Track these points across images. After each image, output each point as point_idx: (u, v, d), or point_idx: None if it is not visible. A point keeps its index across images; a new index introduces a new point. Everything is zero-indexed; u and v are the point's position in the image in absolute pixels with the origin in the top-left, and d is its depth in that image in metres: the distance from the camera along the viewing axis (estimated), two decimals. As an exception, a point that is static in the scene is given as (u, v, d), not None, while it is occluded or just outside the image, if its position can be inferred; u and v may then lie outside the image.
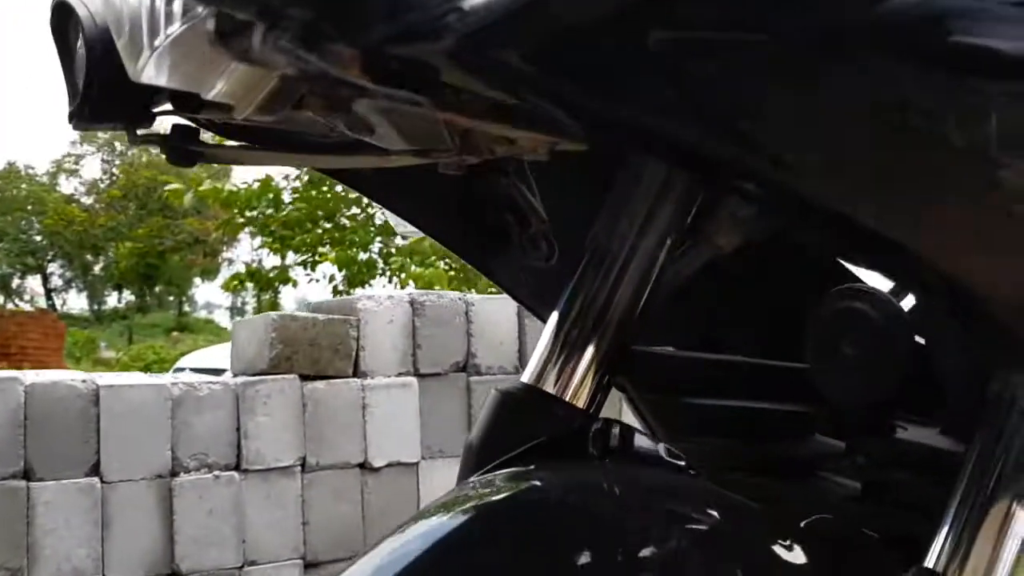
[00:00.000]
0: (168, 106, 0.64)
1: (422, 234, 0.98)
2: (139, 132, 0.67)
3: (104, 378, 3.40)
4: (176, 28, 0.48)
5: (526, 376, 0.74)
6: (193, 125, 0.69)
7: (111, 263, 31.13)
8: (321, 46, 0.41)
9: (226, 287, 11.66)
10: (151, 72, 0.53)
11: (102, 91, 0.63)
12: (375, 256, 10.06)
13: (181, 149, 0.67)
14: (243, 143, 0.70)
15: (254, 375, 3.61)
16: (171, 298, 33.75)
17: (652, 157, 0.70)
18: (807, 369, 0.90)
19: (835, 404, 0.91)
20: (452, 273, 9.06)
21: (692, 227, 0.74)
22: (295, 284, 10.34)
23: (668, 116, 0.44)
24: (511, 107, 0.48)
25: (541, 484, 0.65)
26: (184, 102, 0.65)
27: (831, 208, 0.48)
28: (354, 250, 9.77)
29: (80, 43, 0.63)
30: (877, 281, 0.92)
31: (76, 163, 33.15)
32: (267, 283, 10.46)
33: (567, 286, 0.76)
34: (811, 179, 0.46)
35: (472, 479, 0.66)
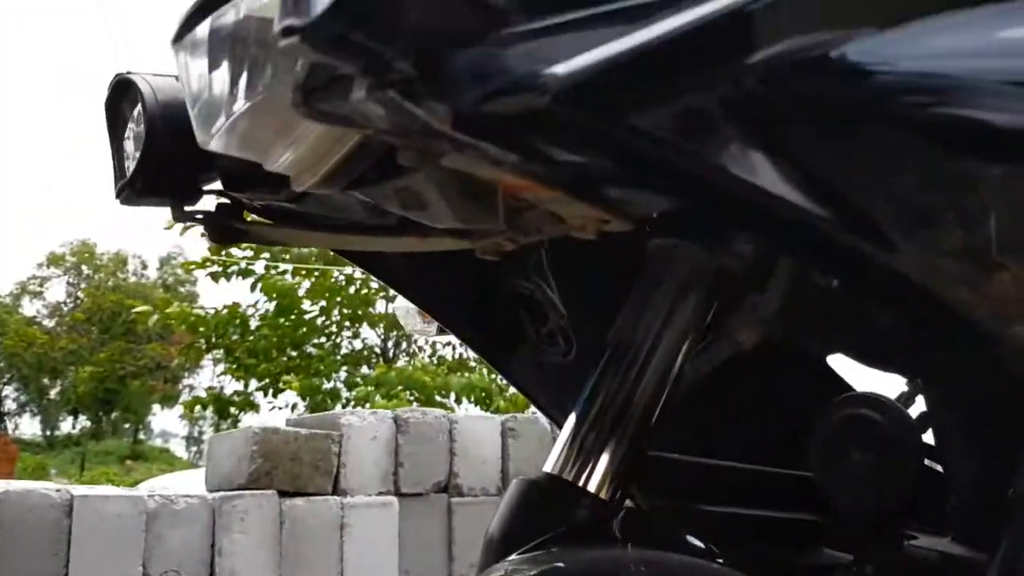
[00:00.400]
0: (216, 184, 0.66)
1: (432, 332, 0.99)
2: (185, 209, 0.69)
3: (79, 489, 3.32)
4: (256, 96, 0.51)
5: (548, 467, 0.74)
6: (236, 205, 0.71)
7: (68, 387, 30.50)
8: (421, 101, 0.44)
9: (186, 408, 11.47)
10: (222, 140, 0.55)
11: (156, 166, 0.65)
12: (339, 385, 9.97)
13: (225, 227, 0.69)
14: (282, 223, 0.72)
15: (232, 490, 3.54)
16: (127, 425, 33.01)
17: (678, 251, 0.72)
18: (814, 477, 0.91)
19: (843, 512, 0.91)
20: (416, 405, 8.97)
21: (713, 323, 0.76)
22: (257, 409, 10.20)
23: (759, 178, 0.48)
24: (584, 176, 0.50)
25: (571, 568, 0.64)
26: (233, 180, 0.67)
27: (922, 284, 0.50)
28: (319, 379, 9.70)
29: (139, 117, 0.66)
30: (879, 388, 0.94)
31: (41, 285, 32.89)
32: (226, 409, 10.30)
33: (586, 381, 0.77)
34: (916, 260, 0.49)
35: (502, 564, 0.65)
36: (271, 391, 9.85)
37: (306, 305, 9.58)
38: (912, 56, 0.52)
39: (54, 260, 32.57)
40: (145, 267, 33.17)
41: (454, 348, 10.26)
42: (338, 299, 9.55)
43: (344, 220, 0.69)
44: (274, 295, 9.21)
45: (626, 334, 0.75)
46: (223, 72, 0.54)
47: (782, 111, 0.49)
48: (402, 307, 1.03)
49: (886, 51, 0.51)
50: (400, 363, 10.53)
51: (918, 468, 0.86)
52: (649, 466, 0.82)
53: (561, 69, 0.45)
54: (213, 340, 9.66)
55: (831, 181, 0.50)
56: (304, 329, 9.67)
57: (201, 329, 9.46)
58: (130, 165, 0.68)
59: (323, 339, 10.11)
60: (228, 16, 0.55)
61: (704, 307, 0.75)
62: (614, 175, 0.51)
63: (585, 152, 0.49)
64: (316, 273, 9.43)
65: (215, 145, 0.56)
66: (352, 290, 9.51)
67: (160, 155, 0.66)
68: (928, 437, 0.90)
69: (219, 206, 0.71)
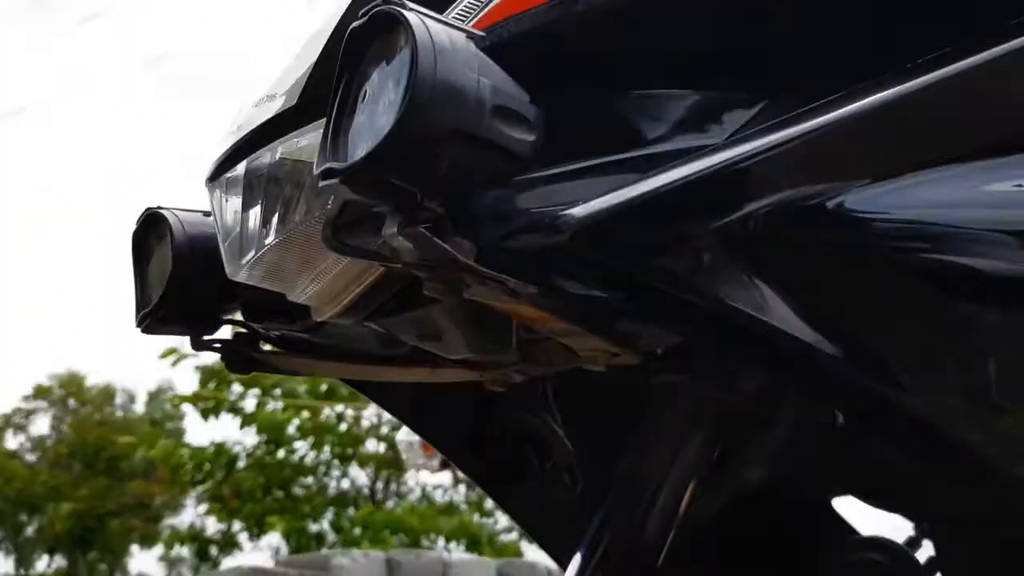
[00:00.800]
0: (236, 315, 0.68)
1: (435, 466, 0.99)
2: (203, 338, 0.71)
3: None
4: (287, 231, 0.53)
5: None
6: (252, 335, 0.72)
7: (46, 524, 29.64)
8: (448, 237, 0.47)
9: (167, 544, 11.22)
10: (250, 272, 0.57)
11: (180, 297, 0.68)
12: (325, 527, 9.77)
13: (242, 355, 0.71)
14: (297, 353, 0.74)
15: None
16: (103, 566, 32.00)
17: (683, 387, 0.73)
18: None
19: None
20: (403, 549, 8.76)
21: (719, 461, 0.76)
22: (240, 548, 9.97)
23: (768, 315, 0.50)
24: (596, 309, 0.52)
25: None
26: (253, 311, 0.69)
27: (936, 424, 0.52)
28: (304, 520, 9.50)
29: (167, 250, 0.68)
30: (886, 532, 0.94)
31: (26, 418, 32.43)
32: (206, 549, 10.06)
33: (592, 519, 0.76)
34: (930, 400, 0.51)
35: None
36: (255, 531, 9.64)
37: (296, 444, 9.47)
38: (906, 206, 0.55)
39: (40, 392, 32.26)
40: (133, 401, 32.83)
41: (444, 491, 10.10)
42: (328, 438, 9.45)
43: (357, 351, 0.71)
44: (264, 430, 9.10)
45: (632, 471, 0.75)
46: (257, 208, 0.57)
47: (786, 253, 0.52)
48: (404, 441, 1.03)
49: (881, 201, 0.55)
50: (390, 503, 10.34)
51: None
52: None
53: (578, 211, 0.49)
54: (197, 478, 9.50)
55: (838, 319, 0.53)
56: (291, 470, 9.54)
57: (188, 468, 9.30)
58: (154, 295, 0.70)
59: (310, 478, 9.95)
60: (264, 158, 0.59)
61: (710, 444, 0.75)
62: (625, 309, 0.54)
63: (598, 287, 0.52)
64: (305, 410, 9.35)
65: (243, 276, 0.58)
66: (343, 427, 9.42)
67: (185, 286, 0.68)
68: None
69: (236, 335, 0.72)
